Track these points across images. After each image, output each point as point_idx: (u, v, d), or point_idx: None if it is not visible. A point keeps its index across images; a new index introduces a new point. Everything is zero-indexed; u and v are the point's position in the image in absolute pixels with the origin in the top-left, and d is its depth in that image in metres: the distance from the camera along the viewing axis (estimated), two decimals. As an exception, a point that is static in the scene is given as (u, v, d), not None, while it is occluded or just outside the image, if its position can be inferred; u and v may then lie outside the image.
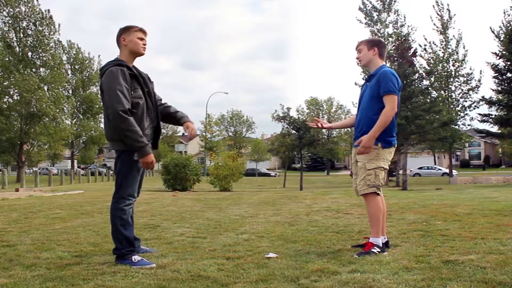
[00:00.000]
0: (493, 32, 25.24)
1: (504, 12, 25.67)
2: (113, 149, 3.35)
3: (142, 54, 3.43)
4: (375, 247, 3.45)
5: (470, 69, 32.03)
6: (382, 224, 3.64)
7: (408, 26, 31.12)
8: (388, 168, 3.67)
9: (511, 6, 28.28)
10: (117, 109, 3.10)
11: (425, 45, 31.77)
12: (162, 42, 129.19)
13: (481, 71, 36.47)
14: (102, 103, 3.36)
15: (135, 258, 3.20)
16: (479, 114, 23.85)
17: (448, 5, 32.98)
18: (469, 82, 31.15)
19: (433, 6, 31.82)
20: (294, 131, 27.03)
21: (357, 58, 3.82)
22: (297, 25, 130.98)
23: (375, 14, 30.46)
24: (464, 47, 36.53)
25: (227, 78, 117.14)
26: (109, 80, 3.18)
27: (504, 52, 22.49)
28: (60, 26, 33.72)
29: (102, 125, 42.30)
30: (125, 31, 3.39)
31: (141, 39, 3.40)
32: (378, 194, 3.58)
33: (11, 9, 31.66)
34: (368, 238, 3.64)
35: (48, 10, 32.90)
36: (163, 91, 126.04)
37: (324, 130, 59.15)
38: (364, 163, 3.57)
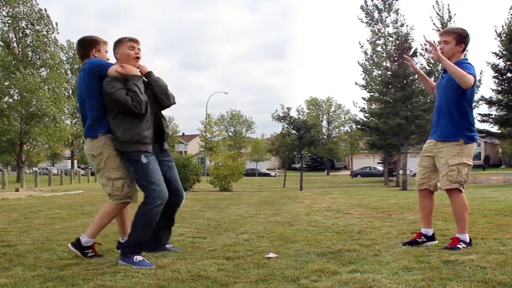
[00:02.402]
0: (495, 31, 25.21)
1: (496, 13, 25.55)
2: (121, 151, 3.39)
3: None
4: (461, 243, 3.48)
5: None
6: (429, 218, 3.74)
7: (407, 26, 31.15)
8: (472, 164, 3.61)
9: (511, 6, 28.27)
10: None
11: (425, 45, 31.75)
12: (160, 42, 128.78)
13: (481, 71, 36.36)
14: (108, 104, 3.41)
15: (137, 258, 3.20)
16: (479, 114, 23.85)
17: (448, 5, 32.97)
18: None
19: (433, 6, 31.81)
20: (294, 131, 27.03)
21: (440, 49, 3.54)
22: (296, 24, 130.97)
23: (376, 13, 30.48)
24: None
25: (226, 78, 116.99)
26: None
27: (504, 52, 22.50)
28: (57, 24, 33.68)
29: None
30: (117, 45, 3.53)
31: (133, 47, 3.48)
32: (461, 190, 3.56)
33: (10, 9, 31.64)
34: (414, 234, 3.75)
35: (45, 9, 32.86)
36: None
37: (324, 130, 59.35)
38: (447, 159, 3.52)
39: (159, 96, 3.52)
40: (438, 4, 31.56)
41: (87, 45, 3.59)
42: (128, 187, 3.44)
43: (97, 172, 3.50)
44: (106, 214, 3.51)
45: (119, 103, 3.28)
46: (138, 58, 3.50)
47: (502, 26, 25.25)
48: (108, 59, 3.60)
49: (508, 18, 25.09)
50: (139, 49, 3.52)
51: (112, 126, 3.38)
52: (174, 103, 3.63)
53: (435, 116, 3.70)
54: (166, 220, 3.66)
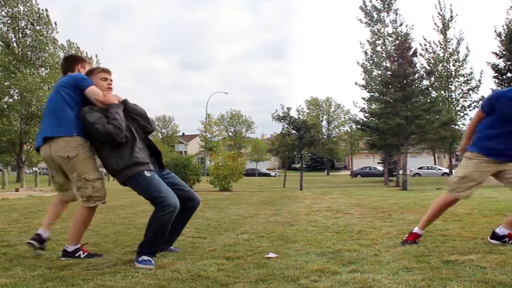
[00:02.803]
0: (495, 31, 25.18)
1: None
2: (123, 179, 3.37)
3: None
4: None
5: (471, 69, 32.01)
6: None
7: (407, 25, 31.16)
8: None
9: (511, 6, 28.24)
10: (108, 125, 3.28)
11: (425, 45, 31.76)
12: (160, 42, 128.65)
13: (481, 71, 36.29)
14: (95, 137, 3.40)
15: (143, 258, 3.19)
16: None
17: (451, 5, 32.91)
18: (469, 82, 31.15)
19: (435, 5, 31.80)
20: (294, 131, 27.00)
21: None
22: (296, 24, 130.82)
23: (375, 13, 30.48)
24: (467, 48, 35.96)
25: (226, 78, 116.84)
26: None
27: (504, 52, 22.51)
28: (56, 24, 33.66)
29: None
30: (89, 75, 3.56)
31: (105, 78, 3.54)
32: None
33: (9, 9, 31.62)
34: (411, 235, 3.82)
35: (46, 9, 32.84)
36: (161, 91, 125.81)
37: (324, 130, 59.33)
38: None
39: (142, 123, 3.55)
40: (440, 4, 31.63)
41: (73, 60, 3.76)
42: (104, 186, 3.47)
43: (63, 175, 3.45)
44: (82, 220, 3.47)
45: (100, 133, 3.26)
46: (110, 88, 3.54)
47: (502, 26, 25.27)
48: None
49: (508, 18, 25.13)
50: (111, 80, 3.57)
51: (104, 158, 3.38)
52: (155, 128, 3.66)
53: (505, 141, 3.72)
54: (182, 224, 3.69)
